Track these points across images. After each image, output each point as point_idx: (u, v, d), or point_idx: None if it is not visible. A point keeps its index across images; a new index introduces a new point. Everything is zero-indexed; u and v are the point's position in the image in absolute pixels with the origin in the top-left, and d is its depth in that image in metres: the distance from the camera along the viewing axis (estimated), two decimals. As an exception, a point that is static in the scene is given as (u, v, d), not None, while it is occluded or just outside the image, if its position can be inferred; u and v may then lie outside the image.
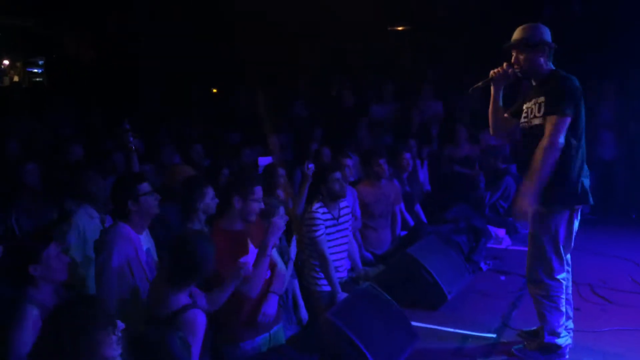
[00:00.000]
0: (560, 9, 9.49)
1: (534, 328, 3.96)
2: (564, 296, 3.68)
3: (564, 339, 3.69)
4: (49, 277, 2.90)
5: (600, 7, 9.14)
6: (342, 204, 4.81)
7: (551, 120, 3.47)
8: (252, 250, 3.61)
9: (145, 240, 3.49)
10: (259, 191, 3.62)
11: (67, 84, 13.17)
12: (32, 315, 2.76)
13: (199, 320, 2.89)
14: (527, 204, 3.50)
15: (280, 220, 3.49)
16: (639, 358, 3.74)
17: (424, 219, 6.44)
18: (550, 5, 9.49)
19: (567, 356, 3.69)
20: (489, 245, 5.91)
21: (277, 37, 11.34)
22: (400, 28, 12.59)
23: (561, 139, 3.44)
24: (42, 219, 4.61)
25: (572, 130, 3.53)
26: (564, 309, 3.68)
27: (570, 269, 3.85)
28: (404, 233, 5.93)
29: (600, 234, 6.47)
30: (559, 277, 3.63)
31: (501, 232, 6.34)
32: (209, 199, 3.91)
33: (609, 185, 7.41)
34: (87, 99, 10.70)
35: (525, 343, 3.82)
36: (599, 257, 5.71)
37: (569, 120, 3.46)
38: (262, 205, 3.69)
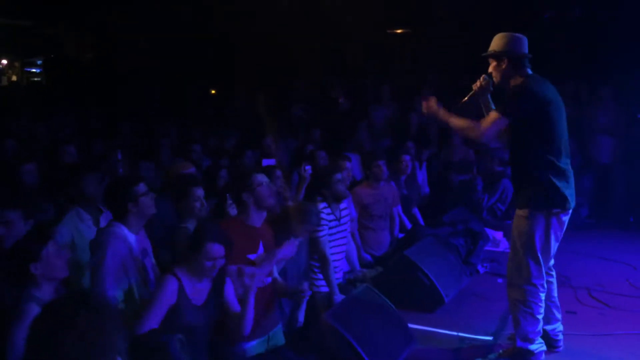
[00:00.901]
0: (560, 12, 9.51)
1: None
2: (541, 303, 3.64)
3: (538, 346, 3.66)
4: (49, 275, 2.90)
5: (599, 11, 9.16)
6: (342, 205, 4.83)
7: (491, 114, 3.63)
8: (261, 250, 3.64)
9: (141, 241, 3.49)
10: (260, 176, 3.66)
11: (65, 83, 13.17)
12: (35, 313, 2.76)
13: (167, 286, 3.02)
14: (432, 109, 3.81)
15: (294, 245, 3.65)
16: (636, 361, 3.75)
17: (422, 222, 6.45)
18: (551, 9, 9.51)
19: None
20: (486, 248, 5.91)
21: (276, 39, 11.35)
22: (399, 31, 12.62)
23: (488, 134, 3.61)
24: (39, 218, 4.59)
25: (548, 136, 3.56)
26: (540, 317, 3.64)
27: (554, 274, 3.86)
28: (401, 236, 5.94)
29: (598, 237, 6.48)
30: (536, 282, 3.60)
31: (498, 234, 6.34)
32: (193, 200, 3.91)
33: (606, 190, 7.41)
34: (86, 98, 10.70)
35: (501, 351, 3.81)
36: (596, 260, 5.71)
37: (505, 121, 3.58)
38: (272, 187, 3.71)
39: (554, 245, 3.66)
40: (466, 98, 3.93)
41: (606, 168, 7.51)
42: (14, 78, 16.76)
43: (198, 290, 3.14)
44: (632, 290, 4.98)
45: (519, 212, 3.65)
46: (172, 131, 8.18)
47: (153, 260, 3.53)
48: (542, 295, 3.64)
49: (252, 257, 3.58)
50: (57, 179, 5.17)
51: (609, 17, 8.90)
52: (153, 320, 2.93)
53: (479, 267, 5.55)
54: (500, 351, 3.80)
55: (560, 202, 3.57)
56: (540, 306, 3.63)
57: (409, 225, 6.16)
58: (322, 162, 6.01)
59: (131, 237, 3.36)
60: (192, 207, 3.91)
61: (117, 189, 3.48)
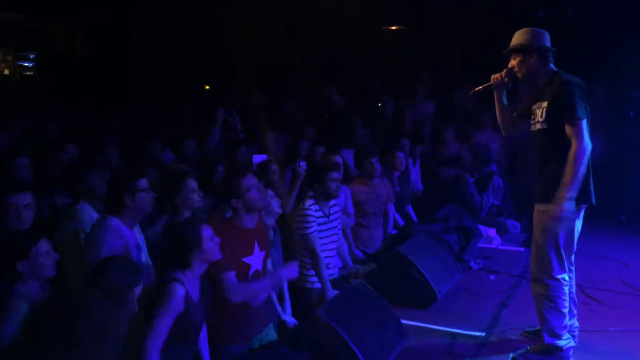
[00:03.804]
0: (554, 11, 9.54)
1: (538, 327, 3.98)
2: (565, 297, 3.65)
3: (566, 341, 3.67)
4: (36, 274, 2.89)
5: (592, 10, 9.19)
6: (332, 202, 4.82)
7: (569, 129, 3.49)
8: (257, 251, 3.64)
9: (135, 236, 3.47)
10: (247, 180, 3.63)
11: (57, 77, 13.09)
12: (22, 309, 2.75)
13: (177, 295, 2.92)
14: (561, 209, 3.46)
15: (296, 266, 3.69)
16: (628, 357, 3.78)
17: (415, 219, 6.47)
18: (545, 7, 9.54)
19: (571, 359, 3.67)
20: (479, 244, 5.93)
21: (270, 36, 11.33)
22: (394, 27, 12.62)
23: (587, 142, 3.45)
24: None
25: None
26: (565, 311, 3.65)
27: (574, 269, 3.87)
28: (394, 232, 5.95)
29: (590, 235, 6.44)
30: (558, 276, 3.62)
31: (491, 231, 6.36)
32: (189, 192, 3.88)
33: (598, 187, 7.43)
34: (78, 93, 10.64)
35: (529, 347, 3.79)
36: (588, 258, 5.72)
37: (584, 121, 3.48)
38: (262, 189, 3.71)
39: (576, 240, 3.67)
40: (480, 87, 3.93)
41: (598, 166, 7.52)
42: (6, 72, 16.64)
43: (195, 288, 3.14)
44: (624, 287, 5.02)
45: (541, 207, 3.63)
46: (164, 126, 8.16)
47: (147, 255, 3.51)
48: (566, 289, 3.66)
49: (247, 259, 3.58)
50: (53, 174, 5.15)
51: (602, 16, 8.93)
52: (163, 331, 2.88)
53: (472, 264, 5.57)
54: (528, 347, 3.78)
55: (588, 195, 3.61)
56: (565, 300, 3.65)
57: (402, 222, 6.18)
58: (320, 159, 6.02)
59: (126, 232, 3.33)
60: (188, 198, 3.88)
61: (117, 181, 3.45)
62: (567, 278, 3.68)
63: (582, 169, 3.45)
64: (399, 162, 6.36)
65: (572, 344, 3.71)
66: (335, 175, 4.69)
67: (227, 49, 11.95)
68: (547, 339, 3.68)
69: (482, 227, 6.17)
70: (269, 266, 3.84)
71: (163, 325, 2.88)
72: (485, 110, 8.01)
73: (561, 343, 3.66)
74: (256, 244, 3.65)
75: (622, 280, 5.15)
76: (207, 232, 3.12)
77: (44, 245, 2.92)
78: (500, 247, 6.19)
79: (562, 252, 3.62)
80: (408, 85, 9.71)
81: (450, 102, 9.32)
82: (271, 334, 3.81)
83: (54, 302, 2.22)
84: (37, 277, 2.90)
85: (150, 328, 2.87)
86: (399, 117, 9.03)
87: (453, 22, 10.53)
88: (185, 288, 3.00)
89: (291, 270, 3.69)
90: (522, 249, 6.06)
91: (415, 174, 7.37)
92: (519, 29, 3.79)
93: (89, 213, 3.92)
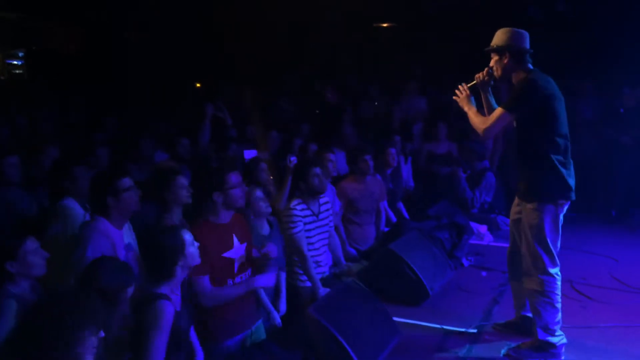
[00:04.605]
0: (544, 8, 9.57)
1: (509, 320, 4.06)
2: (559, 292, 3.69)
3: (559, 338, 3.69)
4: (26, 273, 2.87)
5: (582, 5, 9.23)
6: (323, 199, 4.80)
7: (496, 111, 3.70)
8: (237, 244, 3.62)
9: (126, 235, 3.45)
10: (234, 177, 3.61)
11: (47, 76, 12.99)
12: (12, 309, 2.74)
13: (167, 314, 2.81)
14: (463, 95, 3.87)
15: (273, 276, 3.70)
16: (619, 353, 3.79)
17: (407, 216, 6.48)
18: (535, 4, 9.57)
19: (562, 356, 3.69)
20: (471, 241, 5.95)
21: (263, 33, 11.30)
22: (385, 25, 12.62)
23: (494, 130, 3.70)
24: (21, 213, 4.54)
25: (552, 129, 3.65)
26: (558, 306, 3.69)
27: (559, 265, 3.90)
28: (386, 230, 5.95)
29: (581, 231, 6.52)
30: (551, 271, 3.66)
31: (483, 228, 6.38)
32: (177, 188, 3.86)
33: (589, 183, 7.46)
34: (68, 91, 10.57)
35: (521, 343, 3.81)
36: (579, 254, 5.77)
37: (508, 117, 3.66)
38: (244, 189, 3.69)
39: (560, 236, 3.71)
40: (466, 85, 3.98)
41: (588, 162, 7.56)
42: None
43: (177, 296, 3.08)
44: (614, 283, 5.04)
45: (528, 206, 3.70)
46: (158, 125, 8.13)
47: (138, 255, 3.49)
48: (559, 284, 3.69)
49: (227, 254, 3.56)
50: (42, 173, 5.12)
51: (592, 12, 8.97)
52: (163, 350, 2.79)
53: (464, 261, 5.59)
54: (520, 343, 3.80)
55: (567, 192, 3.68)
56: (558, 294, 3.68)
57: (394, 219, 6.18)
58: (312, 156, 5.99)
59: (114, 232, 3.30)
60: (178, 195, 3.86)
61: (99, 181, 3.42)
62: (559, 272, 3.72)
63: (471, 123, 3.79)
64: (391, 159, 6.36)
65: (564, 341, 3.73)
66: (317, 171, 4.65)
67: (222, 47, 11.93)
68: (541, 335, 3.70)
69: (473, 224, 6.19)
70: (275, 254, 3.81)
71: (159, 349, 2.77)
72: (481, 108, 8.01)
73: (554, 340, 3.68)
74: (234, 237, 3.62)
75: (612, 276, 5.18)
76: (188, 236, 3.07)
77: (31, 244, 2.90)
78: (492, 244, 6.20)
79: (551, 247, 3.66)
80: (400, 81, 9.70)
81: (441, 99, 9.33)
82: (260, 332, 3.80)
83: (46, 303, 2.21)
84: (27, 276, 2.88)
85: (148, 354, 2.74)
86: (390, 113, 9.03)
87: (446, 20, 10.55)
88: (172, 303, 2.90)
89: (266, 280, 3.68)
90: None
91: (406, 170, 7.37)
92: (510, 25, 3.82)
93: (74, 209, 3.89)
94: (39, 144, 5.69)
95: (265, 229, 4.33)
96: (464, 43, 10.04)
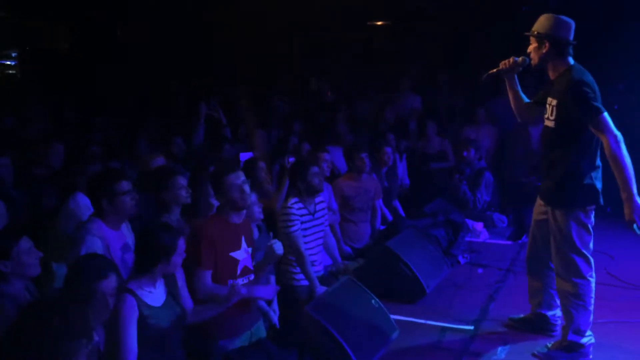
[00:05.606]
0: (537, 5, 9.57)
1: (522, 315, 4.04)
2: (593, 294, 3.62)
3: (588, 339, 3.65)
4: (20, 273, 2.85)
5: (576, 1, 9.24)
6: (318, 198, 4.80)
7: (593, 128, 3.41)
8: (244, 246, 3.63)
9: (124, 235, 3.43)
10: (233, 178, 3.56)
11: (41, 76, 12.94)
12: (7, 311, 2.72)
13: (124, 306, 2.81)
14: (633, 208, 3.44)
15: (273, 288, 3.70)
16: (615, 349, 3.80)
17: (402, 214, 6.48)
18: (529, 1, 9.57)
19: (590, 356, 3.65)
20: (467, 238, 5.95)
21: (256, 31, 11.28)
22: (379, 22, 12.61)
23: (615, 132, 3.35)
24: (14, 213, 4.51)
25: (584, 132, 3.49)
26: (591, 308, 3.63)
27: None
28: (382, 228, 5.95)
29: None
30: (586, 275, 3.58)
31: (479, 225, 6.38)
32: (176, 189, 3.84)
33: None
34: (62, 91, 10.53)
35: (548, 344, 3.74)
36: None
37: (605, 114, 3.38)
38: (247, 188, 3.67)
39: (592, 239, 3.65)
40: (492, 71, 3.85)
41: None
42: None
43: (156, 294, 3.04)
44: (610, 279, 5.05)
45: (557, 212, 3.60)
46: (151, 124, 8.10)
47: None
48: (593, 286, 3.62)
49: (234, 254, 3.56)
50: (39, 174, 5.09)
51: (585, 8, 8.98)
52: (132, 342, 2.79)
53: (460, 258, 5.59)
54: (548, 344, 3.74)
55: (595, 198, 3.60)
56: (592, 297, 3.61)
57: (389, 218, 6.18)
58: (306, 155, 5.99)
59: (109, 234, 3.29)
60: (177, 195, 3.84)
61: (95, 184, 3.40)
62: (594, 275, 3.64)
63: (625, 160, 3.35)
64: (387, 157, 6.35)
65: (593, 340, 3.67)
66: (315, 170, 4.65)
67: (216, 46, 11.91)
68: (571, 336, 3.62)
69: (469, 221, 6.20)
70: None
71: (126, 342, 2.77)
72: (478, 105, 8.03)
73: (583, 340, 3.63)
74: (243, 239, 3.63)
75: (608, 272, 5.18)
76: (181, 243, 3.05)
77: (25, 243, 2.88)
78: (488, 241, 6.20)
79: (584, 251, 3.58)
80: (394, 80, 9.70)
81: (435, 97, 9.33)
82: (261, 332, 3.79)
83: (37, 304, 2.19)
84: (21, 276, 2.86)
85: (119, 347, 2.75)
86: (384, 111, 9.03)
87: (439, 16, 10.55)
88: (134, 295, 2.89)
89: (266, 292, 3.67)
90: (509, 242, 6.11)
91: (402, 168, 7.37)
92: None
93: (87, 204, 3.86)
94: (44, 141, 5.66)
95: (255, 234, 4.33)
96: (459, 42, 10.08)
